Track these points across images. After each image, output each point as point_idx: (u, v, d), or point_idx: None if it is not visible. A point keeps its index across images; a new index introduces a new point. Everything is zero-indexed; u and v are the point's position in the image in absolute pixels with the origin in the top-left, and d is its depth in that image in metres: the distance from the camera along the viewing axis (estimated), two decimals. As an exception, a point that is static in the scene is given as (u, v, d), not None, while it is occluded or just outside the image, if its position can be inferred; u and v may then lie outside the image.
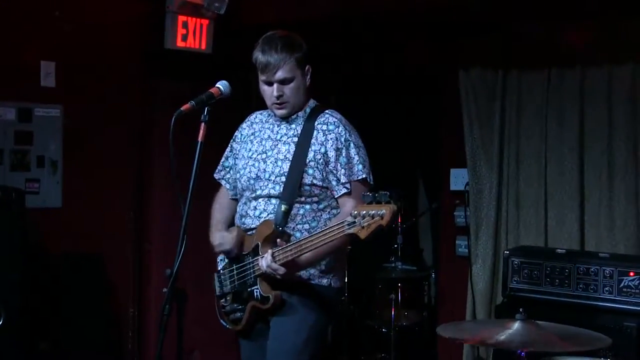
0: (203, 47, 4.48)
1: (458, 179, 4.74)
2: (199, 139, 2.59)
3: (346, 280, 4.44)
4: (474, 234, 4.58)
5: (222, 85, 2.70)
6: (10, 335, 3.58)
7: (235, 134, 3.19)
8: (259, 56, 2.93)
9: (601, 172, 4.20)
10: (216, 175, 3.23)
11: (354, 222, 2.55)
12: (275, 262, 2.77)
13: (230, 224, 3.14)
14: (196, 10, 4.40)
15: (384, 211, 2.49)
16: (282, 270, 2.77)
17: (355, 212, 2.56)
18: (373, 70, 5.33)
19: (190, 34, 4.40)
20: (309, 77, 3.00)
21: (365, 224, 2.52)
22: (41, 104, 4.22)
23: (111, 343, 4.51)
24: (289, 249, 2.76)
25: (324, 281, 2.96)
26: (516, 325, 2.69)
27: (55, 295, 4.20)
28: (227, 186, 3.21)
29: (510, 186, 4.49)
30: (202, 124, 2.61)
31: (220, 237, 3.06)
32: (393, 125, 5.52)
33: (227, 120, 4.07)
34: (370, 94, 5.43)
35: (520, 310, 2.72)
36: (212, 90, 2.68)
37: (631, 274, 3.41)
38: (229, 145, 3.21)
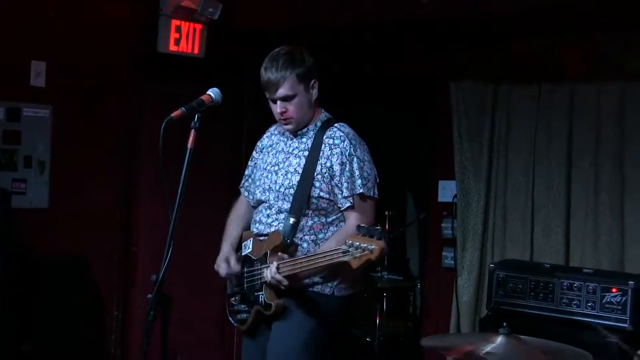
0: (196, 51, 4.48)
1: (446, 190, 4.75)
2: (189, 146, 2.59)
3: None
4: (461, 246, 4.59)
5: (213, 92, 2.70)
6: (-8, 336, 3.57)
7: (257, 143, 3.29)
8: (262, 74, 3.01)
9: (588, 187, 4.23)
10: (241, 188, 3.33)
11: (348, 251, 2.67)
12: (279, 273, 2.89)
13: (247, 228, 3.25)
14: (190, 14, 4.40)
15: (374, 247, 2.62)
16: (285, 282, 2.90)
17: (350, 241, 2.67)
18: (363, 79, 5.33)
19: (184, 38, 4.39)
20: (315, 90, 3.06)
21: (358, 254, 2.65)
22: (30, 104, 4.20)
23: (94, 346, 4.48)
24: (291, 263, 2.89)
25: (327, 290, 3.04)
26: (499, 339, 2.69)
27: (40, 296, 4.17)
28: (246, 194, 3.31)
29: (498, 199, 4.51)
30: (192, 131, 2.61)
31: (227, 270, 3.14)
32: (382, 135, 5.52)
33: (217, 124, 4.08)
34: (361, 102, 5.43)
35: (504, 324, 2.74)
36: (203, 97, 2.68)
37: (614, 290, 3.44)
38: (251, 155, 3.32)
